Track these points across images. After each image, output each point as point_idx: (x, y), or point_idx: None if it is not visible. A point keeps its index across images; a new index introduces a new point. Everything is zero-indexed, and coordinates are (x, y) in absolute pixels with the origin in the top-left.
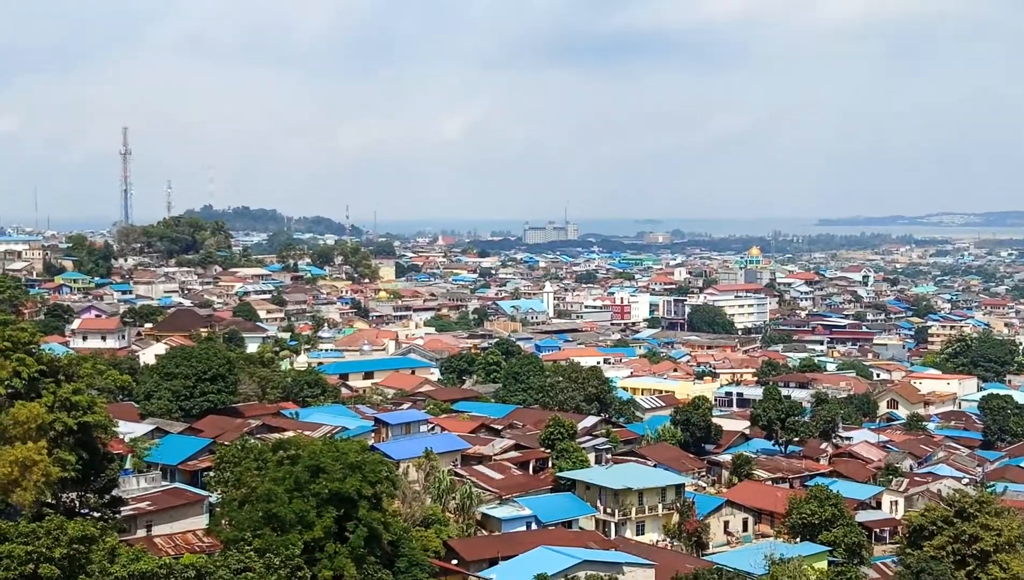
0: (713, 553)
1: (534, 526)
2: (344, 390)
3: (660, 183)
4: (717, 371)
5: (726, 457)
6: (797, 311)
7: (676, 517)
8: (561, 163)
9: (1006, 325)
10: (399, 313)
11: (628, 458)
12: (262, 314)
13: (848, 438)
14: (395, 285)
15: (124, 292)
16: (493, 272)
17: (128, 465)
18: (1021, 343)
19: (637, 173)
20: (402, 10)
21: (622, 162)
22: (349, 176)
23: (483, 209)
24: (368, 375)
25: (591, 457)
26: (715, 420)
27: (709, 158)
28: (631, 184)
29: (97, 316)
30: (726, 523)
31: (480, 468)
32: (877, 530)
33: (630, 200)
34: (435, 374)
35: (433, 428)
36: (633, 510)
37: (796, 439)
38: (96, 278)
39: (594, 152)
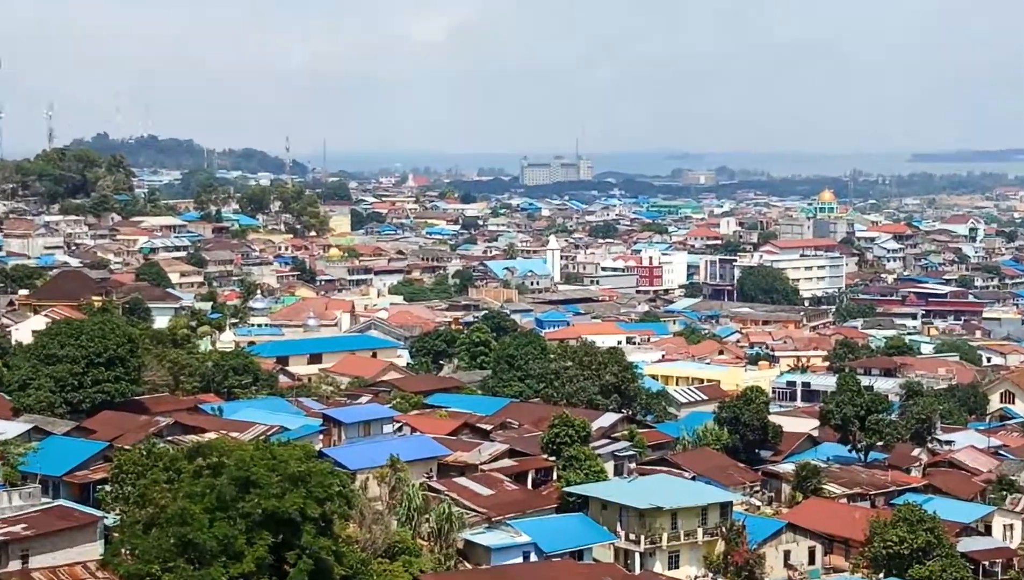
0: None
1: (534, 557)
2: (283, 378)
3: (704, 105)
4: (776, 354)
5: (787, 467)
6: (882, 275)
7: (721, 545)
8: (576, 78)
9: None
10: (356, 277)
11: (658, 468)
12: (174, 277)
13: (948, 442)
14: (351, 239)
15: None
16: (480, 223)
17: None
18: None
19: (674, 92)
20: None
21: (655, 78)
22: (290, 96)
23: (468, 139)
24: (315, 358)
25: (609, 467)
26: (773, 418)
27: (772, 72)
28: (665, 106)
29: None
30: (787, 553)
31: (463, 481)
32: (986, 563)
33: (663, 128)
34: (403, 357)
35: (401, 428)
36: (664, 536)
37: (880, 443)
38: None
39: (620, 64)
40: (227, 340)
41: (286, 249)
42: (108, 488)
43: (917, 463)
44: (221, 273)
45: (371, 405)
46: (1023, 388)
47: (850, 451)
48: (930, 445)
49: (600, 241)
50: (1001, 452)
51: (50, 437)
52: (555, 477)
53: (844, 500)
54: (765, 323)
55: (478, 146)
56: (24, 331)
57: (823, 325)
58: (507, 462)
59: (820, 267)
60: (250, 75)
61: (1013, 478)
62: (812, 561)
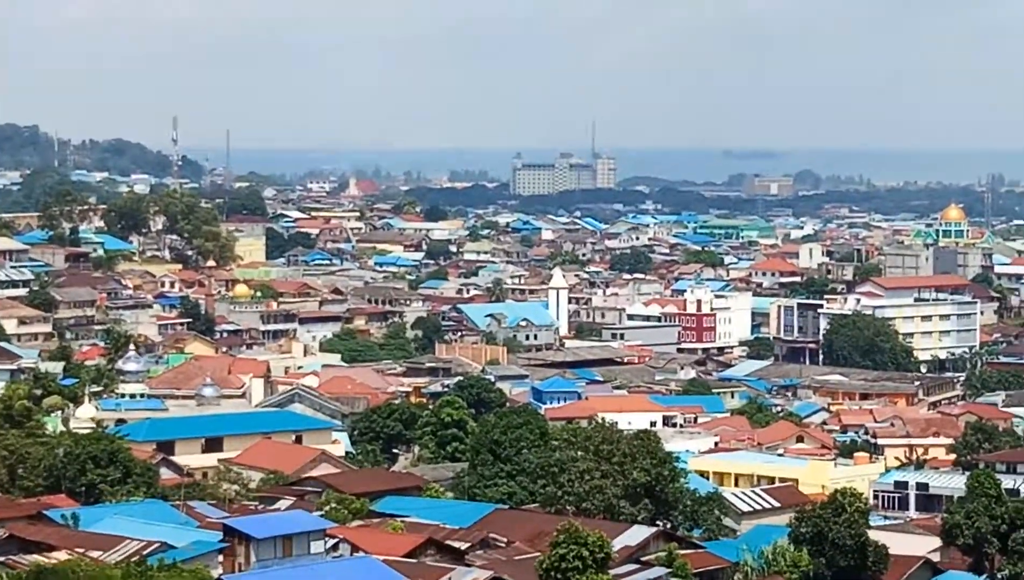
0: None
1: None
2: (166, 472)
3: (777, 83)
4: (879, 442)
5: None
6: None
7: None
8: (594, 41)
9: None
10: (273, 326)
11: None
12: (10, 326)
13: None
14: (266, 272)
15: None
16: (454, 249)
17: None
18: None
19: (733, 63)
20: None
21: (705, 42)
22: (179, 68)
23: (437, 129)
24: (213, 444)
25: None
26: (874, 535)
27: (873, 35)
28: (720, 83)
29: None
30: None
31: None
32: None
33: (717, 115)
34: (341, 443)
35: (337, 546)
36: None
37: None
38: None
39: (657, 19)
40: (85, 417)
41: (172, 285)
42: None
43: None
44: (78, 319)
45: (293, 512)
46: None
47: None
48: None
49: (626, 277)
50: None
51: None
52: None
53: None
54: (864, 397)
55: (450, 139)
56: None
57: (948, 401)
58: None
59: (944, 317)
60: (118, 31)
61: None
62: None
